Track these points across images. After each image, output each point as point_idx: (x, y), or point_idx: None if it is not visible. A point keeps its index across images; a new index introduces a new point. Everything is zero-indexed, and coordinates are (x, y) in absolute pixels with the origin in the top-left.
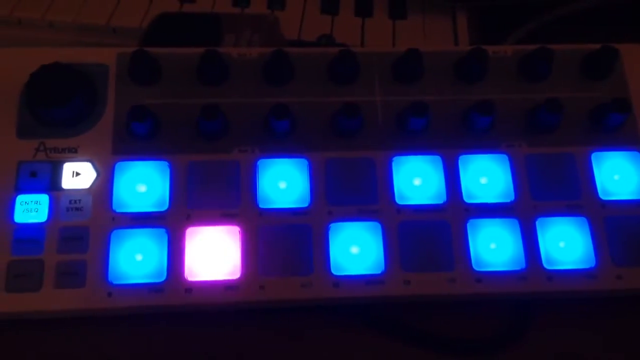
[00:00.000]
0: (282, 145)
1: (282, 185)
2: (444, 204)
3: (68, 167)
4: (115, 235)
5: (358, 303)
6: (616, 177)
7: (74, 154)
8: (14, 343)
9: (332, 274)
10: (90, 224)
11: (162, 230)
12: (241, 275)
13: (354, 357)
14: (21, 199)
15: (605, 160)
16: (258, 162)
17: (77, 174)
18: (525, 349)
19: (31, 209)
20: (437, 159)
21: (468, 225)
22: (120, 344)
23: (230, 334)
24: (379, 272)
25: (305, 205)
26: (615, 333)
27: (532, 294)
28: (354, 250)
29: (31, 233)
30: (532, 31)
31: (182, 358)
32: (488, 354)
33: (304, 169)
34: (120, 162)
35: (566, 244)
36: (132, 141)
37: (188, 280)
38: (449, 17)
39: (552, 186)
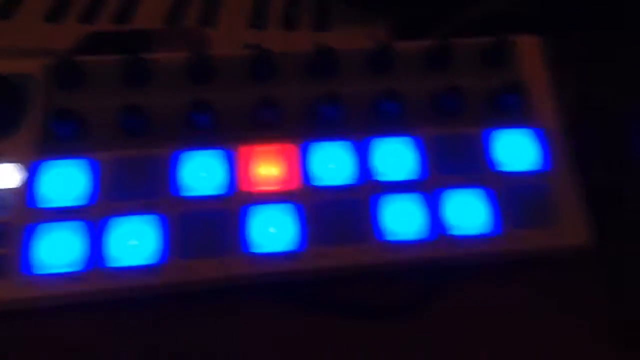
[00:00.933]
0: (203, 139)
1: (203, 175)
2: (356, 183)
3: None
4: (38, 229)
5: (277, 280)
6: (513, 151)
7: None
8: None
9: (250, 252)
10: (12, 220)
11: (82, 223)
12: (162, 259)
13: (276, 332)
14: None
15: (503, 137)
16: (179, 155)
17: (2, 175)
18: (440, 310)
19: None
20: (349, 144)
21: (379, 201)
22: (41, 336)
23: (150, 321)
24: (296, 248)
25: (224, 192)
26: (524, 293)
27: (440, 259)
28: (272, 230)
29: None
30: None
31: (110, 346)
32: (405, 316)
33: (224, 160)
34: (45, 162)
35: (468, 212)
36: (56, 142)
37: (109, 267)
38: (370, 29)
39: (456, 163)
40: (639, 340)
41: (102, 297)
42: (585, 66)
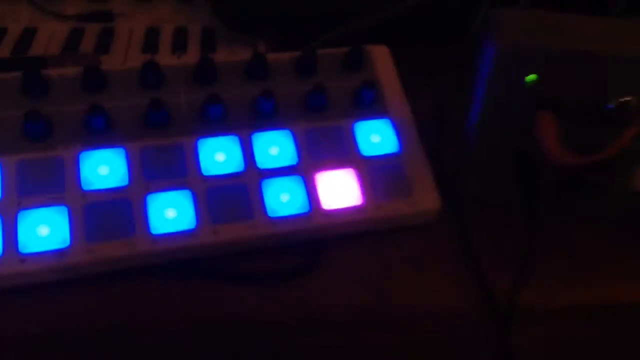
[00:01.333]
0: (101, 139)
1: (103, 170)
2: (243, 170)
3: None
4: None
5: (176, 257)
6: (375, 138)
7: None
8: None
9: (151, 233)
10: None
11: None
12: (71, 243)
13: (187, 302)
14: None
15: (364, 127)
16: (80, 155)
17: None
18: (321, 274)
19: None
20: (236, 138)
21: (262, 184)
22: None
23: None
24: (192, 227)
25: (124, 184)
26: (390, 255)
27: (318, 228)
28: (170, 213)
29: None
30: None
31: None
32: (291, 281)
33: (122, 156)
34: None
35: (339, 189)
36: None
37: (22, 253)
38: (251, 48)
39: (327, 150)
40: (488, 289)
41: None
42: (438, 74)
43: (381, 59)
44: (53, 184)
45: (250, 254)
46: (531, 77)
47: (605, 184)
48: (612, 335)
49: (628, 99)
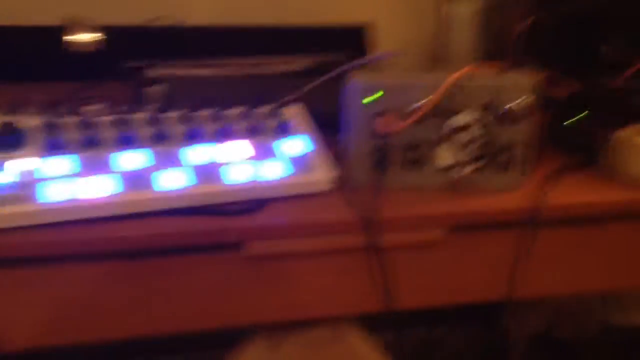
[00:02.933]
0: None
1: None
2: (216, 162)
3: None
4: None
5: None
6: (297, 145)
7: None
8: None
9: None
10: None
11: None
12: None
13: (181, 228)
14: None
15: (289, 140)
16: None
17: None
18: (263, 213)
19: None
20: (212, 144)
21: (227, 167)
22: None
23: None
24: (190, 185)
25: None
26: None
27: (261, 189)
28: (177, 180)
29: None
30: None
31: None
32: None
33: None
34: None
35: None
36: None
37: None
38: None
39: (266, 153)
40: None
41: None
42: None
43: (297, 110)
44: None
45: (219, 204)
46: (368, 99)
47: (420, 161)
48: None
49: (423, 101)
